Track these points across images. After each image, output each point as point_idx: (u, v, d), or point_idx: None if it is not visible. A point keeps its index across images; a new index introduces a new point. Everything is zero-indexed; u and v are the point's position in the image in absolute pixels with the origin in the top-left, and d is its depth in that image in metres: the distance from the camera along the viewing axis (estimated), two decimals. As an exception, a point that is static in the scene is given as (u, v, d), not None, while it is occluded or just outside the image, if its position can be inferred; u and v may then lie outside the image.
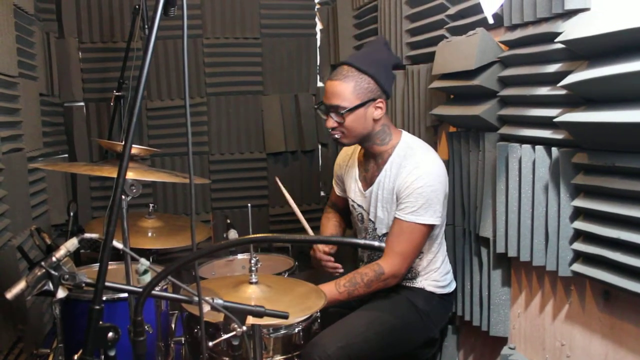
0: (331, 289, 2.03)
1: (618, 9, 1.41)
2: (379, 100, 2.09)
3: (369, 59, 2.09)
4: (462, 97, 2.20)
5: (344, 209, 2.51)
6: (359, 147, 2.32)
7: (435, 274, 2.21)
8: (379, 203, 2.18)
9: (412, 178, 2.05)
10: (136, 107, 1.20)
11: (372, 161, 2.22)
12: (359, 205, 2.29)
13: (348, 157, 2.39)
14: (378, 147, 2.17)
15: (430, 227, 2.08)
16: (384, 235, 2.19)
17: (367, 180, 2.24)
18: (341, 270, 2.28)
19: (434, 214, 2.05)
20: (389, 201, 2.14)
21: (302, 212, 2.48)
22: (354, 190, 2.30)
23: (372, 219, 2.22)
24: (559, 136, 1.67)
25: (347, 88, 2.04)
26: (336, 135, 2.12)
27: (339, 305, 2.15)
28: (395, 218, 2.09)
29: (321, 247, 2.31)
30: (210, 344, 1.69)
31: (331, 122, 2.09)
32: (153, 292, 1.27)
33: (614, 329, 1.60)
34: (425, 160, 2.10)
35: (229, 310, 1.34)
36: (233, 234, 2.53)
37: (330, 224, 2.49)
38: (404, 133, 2.20)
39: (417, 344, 2.20)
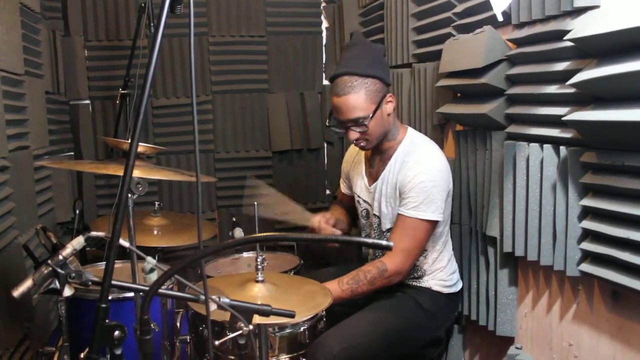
0: (334, 287, 2.02)
1: (628, 7, 1.40)
2: (388, 95, 2.09)
3: (364, 61, 2.05)
4: (469, 95, 2.19)
5: (349, 207, 2.50)
6: None
7: (442, 273, 2.21)
8: (382, 198, 2.18)
9: (414, 173, 2.05)
10: (143, 105, 1.19)
11: (378, 157, 2.23)
12: (364, 201, 2.29)
13: (356, 153, 2.40)
14: (387, 143, 2.17)
15: (433, 224, 2.07)
16: (388, 230, 2.19)
17: (373, 176, 2.25)
18: (339, 232, 2.30)
19: (436, 210, 2.04)
20: (392, 196, 2.14)
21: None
22: (360, 186, 2.31)
23: (377, 214, 2.22)
24: (567, 135, 1.66)
25: (360, 97, 2.01)
26: (361, 144, 2.11)
27: (345, 304, 2.14)
28: (398, 214, 2.09)
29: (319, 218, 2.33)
30: (216, 342, 1.69)
31: (354, 134, 2.07)
32: (159, 290, 1.27)
33: (622, 329, 1.59)
34: (427, 155, 2.10)
35: (236, 309, 1.34)
36: (239, 232, 2.52)
37: (338, 211, 2.50)
38: (410, 129, 2.20)
39: (423, 343, 2.20)
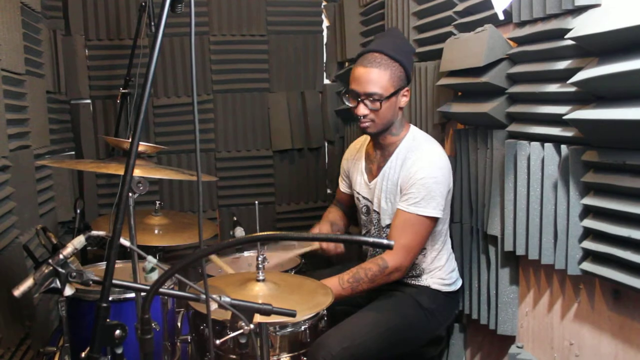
0: (335, 285, 2.02)
1: (629, 5, 1.40)
2: (406, 88, 2.11)
3: (397, 47, 2.09)
4: (470, 94, 2.18)
5: (348, 206, 2.51)
6: (367, 140, 2.33)
7: (440, 272, 2.21)
8: (382, 194, 2.18)
9: (415, 169, 2.06)
10: (143, 104, 1.19)
11: (379, 153, 2.23)
12: (364, 198, 2.29)
13: (356, 150, 2.40)
14: (390, 138, 2.17)
15: (433, 220, 2.07)
16: (387, 226, 2.19)
17: (373, 172, 2.25)
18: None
19: (437, 207, 2.04)
20: (392, 192, 2.15)
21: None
22: (360, 183, 2.31)
23: (377, 210, 2.22)
24: (568, 134, 1.66)
25: (384, 75, 2.03)
26: (366, 124, 2.10)
27: (346, 304, 2.14)
28: (398, 209, 2.09)
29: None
30: (217, 342, 1.69)
31: (364, 109, 2.07)
32: (160, 289, 1.27)
33: (623, 328, 1.59)
34: (429, 152, 2.10)
35: (237, 308, 1.34)
36: (240, 232, 2.53)
37: (330, 216, 2.50)
38: (412, 127, 2.21)
39: (423, 342, 2.19)
